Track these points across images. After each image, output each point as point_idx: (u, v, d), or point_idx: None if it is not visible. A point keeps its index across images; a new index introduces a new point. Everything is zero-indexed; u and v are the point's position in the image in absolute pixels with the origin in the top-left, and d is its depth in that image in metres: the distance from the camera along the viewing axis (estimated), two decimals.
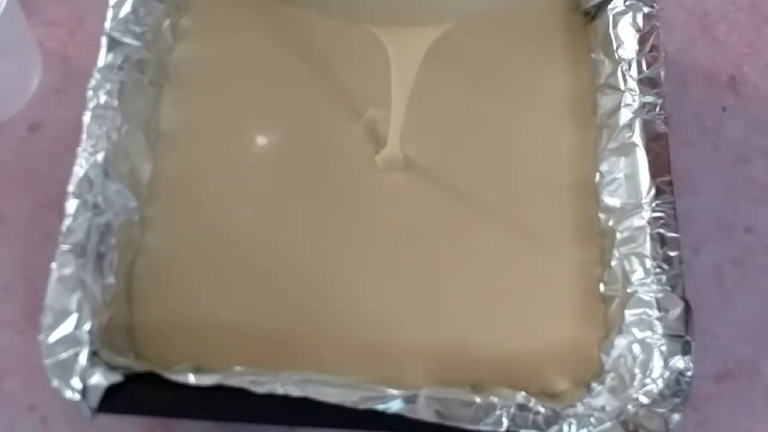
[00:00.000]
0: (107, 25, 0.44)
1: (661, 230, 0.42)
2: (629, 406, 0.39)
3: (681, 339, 0.40)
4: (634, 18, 0.48)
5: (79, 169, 0.41)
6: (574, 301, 0.44)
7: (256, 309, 0.42)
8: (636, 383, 0.40)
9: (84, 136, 0.41)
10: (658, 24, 0.47)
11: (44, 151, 0.48)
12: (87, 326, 0.37)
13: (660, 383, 0.39)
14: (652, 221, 0.42)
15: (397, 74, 0.42)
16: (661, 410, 0.38)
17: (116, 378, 0.36)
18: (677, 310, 0.40)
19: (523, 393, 0.39)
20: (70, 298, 0.38)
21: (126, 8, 0.45)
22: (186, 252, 0.44)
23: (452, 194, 0.46)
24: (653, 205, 0.43)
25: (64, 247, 0.39)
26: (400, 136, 0.45)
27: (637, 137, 0.45)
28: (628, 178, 0.45)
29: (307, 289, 0.43)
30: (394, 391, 0.37)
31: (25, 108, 0.49)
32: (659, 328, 0.40)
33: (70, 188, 0.40)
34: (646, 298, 0.41)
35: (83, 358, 0.36)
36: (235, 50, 0.49)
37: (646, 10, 0.48)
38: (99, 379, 0.36)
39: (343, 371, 0.39)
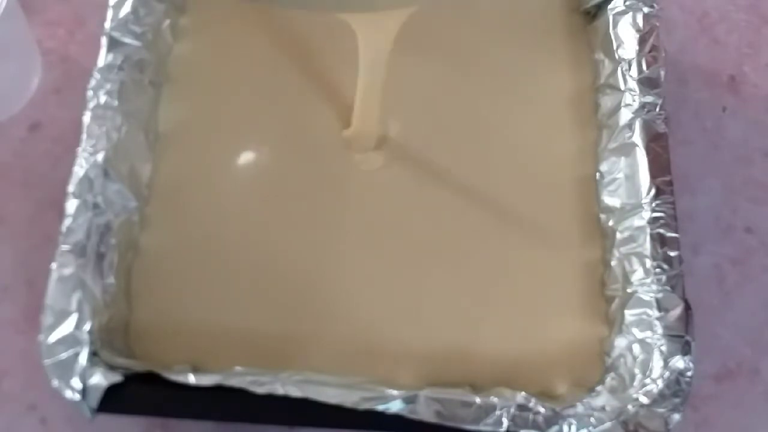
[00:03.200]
0: (107, 25, 0.44)
1: (661, 230, 0.42)
2: (629, 406, 0.38)
3: (681, 339, 0.40)
4: (634, 18, 0.48)
5: (79, 169, 0.41)
6: (574, 301, 0.44)
7: (255, 310, 0.42)
8: (636, 383, 0.40)
9: (84, 136, 0.41)
10: (658, 24, 0.47)
11: (44, 151, 0.48)
12: (87, 326, 0.37)
13: (660, 383, 0.39)
14: (652, 221, 0.42)
15: (367, 60, 0.42)
16: (661, 410, 0.38)
17: (116, 378, 0.36)
18: (677, 310, 0.40)
19: (523, 393, 0.38)
20: (70, 298, 0.38)
21: (126, 8, 0.45)
22: (185, 252, 0.44)
23: (452, 195, 0.46)
24: (653, 205, 0.43)
25: (64, 247, 0.39)
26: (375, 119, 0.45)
27: (637, 137, 0.45)
28: (628, 178, 0.45)
29: (305, 289, 0.43)
30: (394, 392, 0.37)
31: (25, 108, 0.49)
32: (659, 328, 0.40)
33: (70, 188, 0.40)
34: (646, 298, 0.41)
35: (83, 359, 0.36)
36: (234, 50, 0.49)
37: (646, 10, 0.48)
38: (99, 379, 0.36)
39: (341, 373, 0.39)
